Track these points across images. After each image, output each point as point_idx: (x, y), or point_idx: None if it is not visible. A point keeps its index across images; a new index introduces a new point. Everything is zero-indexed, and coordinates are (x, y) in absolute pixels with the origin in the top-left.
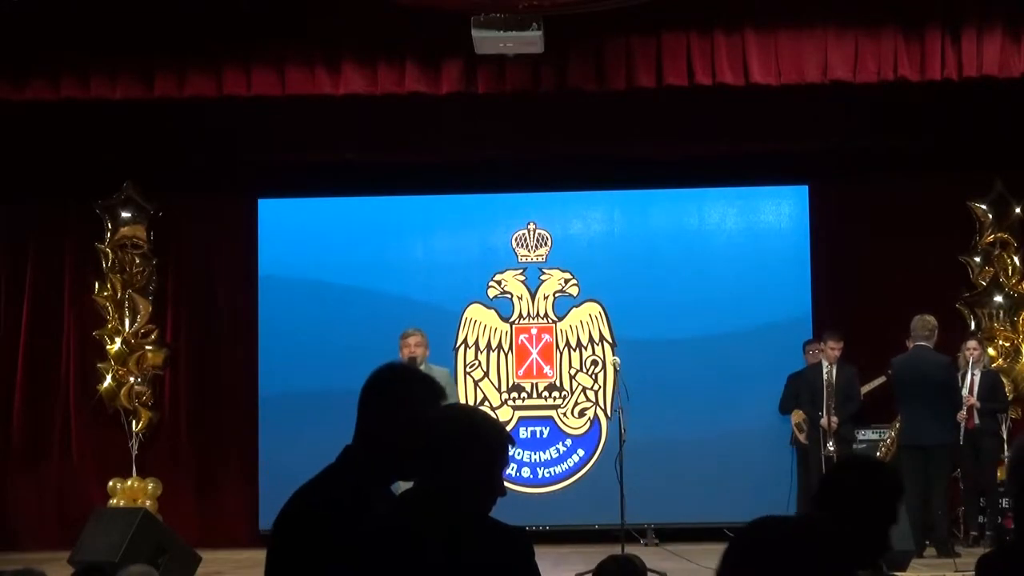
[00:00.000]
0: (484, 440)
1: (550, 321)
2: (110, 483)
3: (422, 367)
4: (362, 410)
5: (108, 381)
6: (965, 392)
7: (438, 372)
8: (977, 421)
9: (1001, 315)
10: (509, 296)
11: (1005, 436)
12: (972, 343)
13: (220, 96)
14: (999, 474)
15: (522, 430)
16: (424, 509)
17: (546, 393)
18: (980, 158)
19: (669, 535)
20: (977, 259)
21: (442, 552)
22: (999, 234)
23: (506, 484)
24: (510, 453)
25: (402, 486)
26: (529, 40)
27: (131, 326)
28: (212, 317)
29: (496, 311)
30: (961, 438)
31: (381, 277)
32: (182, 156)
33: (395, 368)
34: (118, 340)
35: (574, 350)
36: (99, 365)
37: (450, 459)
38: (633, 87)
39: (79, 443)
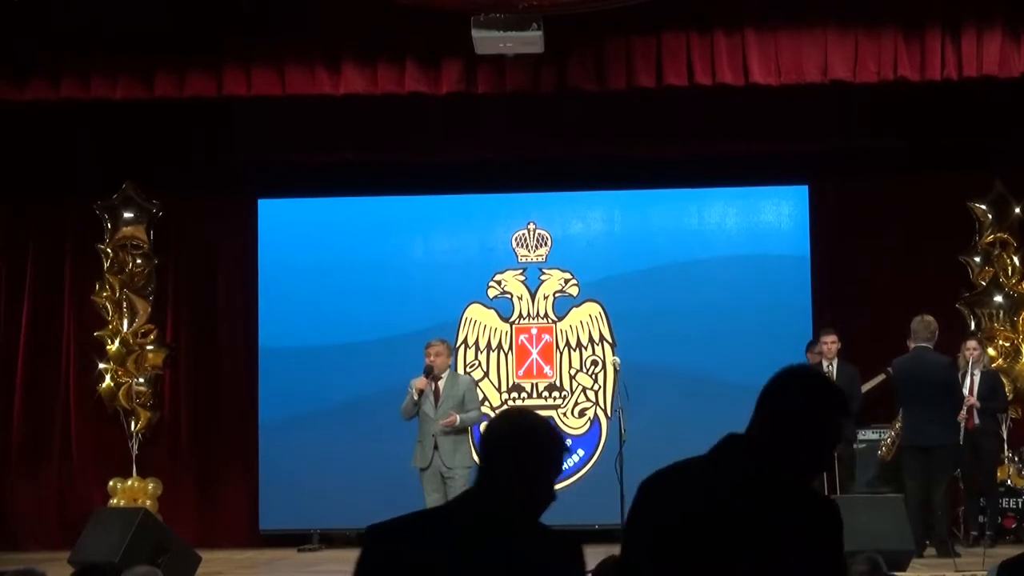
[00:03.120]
0: (539, 444)
1: (550, 321)
2: (110, 483)
3: (445, 375)
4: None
5: (107, 381)
6: (965, 392)
7: (462, 379)
8: (977, 421)
9: (1001, 315)
10: (509, 296)
11: (1005, 436)
12: (972, 343)
13: (220, 96)
14: (999, 474)
15: None
16: (476, 509)
17: (546, 393)
18: (980, 158)
19: None
20: (977, 259)
21: (491, 553)
22: (999, 234)
23: None
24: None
25: None
26: (529, 40)
27: (129, 327)
28: (212, 317)
29: (496, 311)
30: (961, 438)
31: (381, 277)
32: (182, 156)
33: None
34: (117, 340)
35: (574, 350)
36: (101, 366)
37: (504, 461)
38: (633, 87)
39: (79, 443)
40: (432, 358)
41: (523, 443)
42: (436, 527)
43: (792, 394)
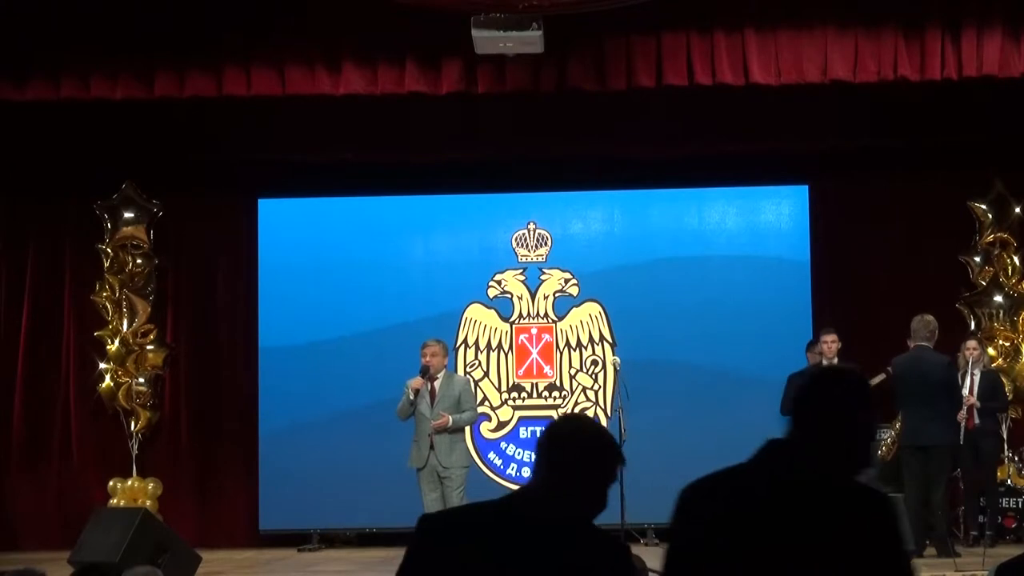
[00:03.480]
0: (596, 451)
1: (550, 321)
2: (110, 483)
3: (441, 375)
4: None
5: (107, 381)
6: (965, 392)
7: (458, 380)
8: (977, 421)
9: (1001, 315)
10: (509, 296)
11: (1005, 436)
12: (972, 343)
13: (220, 96)
14: (999, 474)
15: (522, 430)
16: (528, 509)
17: (546, 393)
18: (980, 158)
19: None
20: (977, 259)
21: (539, 553)
22: (999, 234)
23: (506, 484)
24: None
25: None
26: (529, 40)
27: (129, 327)
28: (212, 317)
29: (496, 311)
30: (961, 438)
31: (381, 277)
32: (182, 156)
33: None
34: (117, 340)
35: (574, 350)
36: (101, 366)
37: (560, 463)
38: (633, 87)
39: (79, 443)
40: (428, 358)
41: (579, 447)
42: (487, 523)
43: (819, 393)
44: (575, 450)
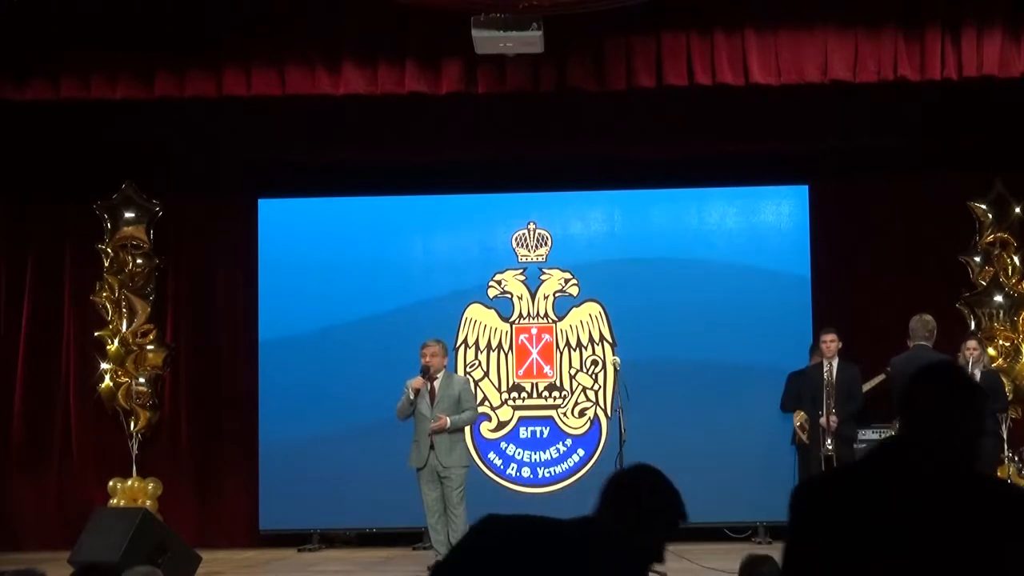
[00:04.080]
0: (668, 505)
1: (550, 321)
2: (110, 483)
3: (441, 375)
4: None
5: (107, 381)
6: None
7: (457, 379)
8: None
9: (1001, 315)
10: (509, 296)
11: (1005, 436)
12: (972, 343)
13: (220, 96)
14: (999, 474)
15: (522, 430)
16: (584, 536)
17: (546, 393)
18: (980, 158)
19: None
20: (977, 259)
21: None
22: (999, 234)
23: (506, 484)
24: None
25: None
26: (529, 40)
27: (129, 327)
28: (212, 317)
29: (496, 311)
30: None
31: (381, 277)
32: (182, 156)
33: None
34: (117, 340)
35: (574, 350)
36: (101, 366)
37: (625, 504)
38: (633, 87)
39: (79, 443)
40: (428, 358)
41: (650, 493)
42: (540, 538)
43: (921, 392)
44: (643, 494)
